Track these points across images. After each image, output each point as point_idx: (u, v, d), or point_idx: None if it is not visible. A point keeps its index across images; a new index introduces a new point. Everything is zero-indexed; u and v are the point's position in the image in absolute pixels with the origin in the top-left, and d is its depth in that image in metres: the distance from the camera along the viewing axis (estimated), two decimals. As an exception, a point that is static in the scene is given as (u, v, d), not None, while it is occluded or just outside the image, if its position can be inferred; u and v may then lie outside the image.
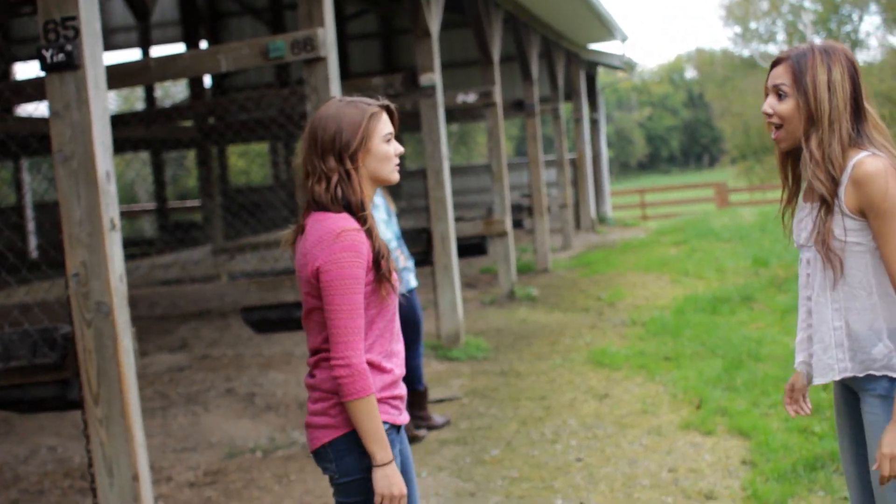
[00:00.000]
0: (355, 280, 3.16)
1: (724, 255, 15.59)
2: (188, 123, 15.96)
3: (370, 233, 3.24)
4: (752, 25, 50.14)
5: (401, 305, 7.02)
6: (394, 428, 3.35)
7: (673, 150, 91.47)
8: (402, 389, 3.40)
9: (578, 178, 23.24)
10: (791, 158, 3.38)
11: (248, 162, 29.07)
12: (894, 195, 3.07)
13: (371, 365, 3.25)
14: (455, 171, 26.28)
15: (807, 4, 45.83)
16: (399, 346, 3.41)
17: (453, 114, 18.33)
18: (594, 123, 26.45)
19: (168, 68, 7.40)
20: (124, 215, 28.23)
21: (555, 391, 8.39)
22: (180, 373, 10.31)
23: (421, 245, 10.33)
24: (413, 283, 7.26)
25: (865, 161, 3.09)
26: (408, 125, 20.34)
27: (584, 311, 12.33)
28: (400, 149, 3.37)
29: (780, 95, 3.21)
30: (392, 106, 3.41)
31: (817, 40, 3.29)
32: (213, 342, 11.96)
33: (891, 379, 3.18)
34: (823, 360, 3.26)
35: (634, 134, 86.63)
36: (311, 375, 3.34)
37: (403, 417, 3.41)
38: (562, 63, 19.75)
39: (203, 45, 20.91)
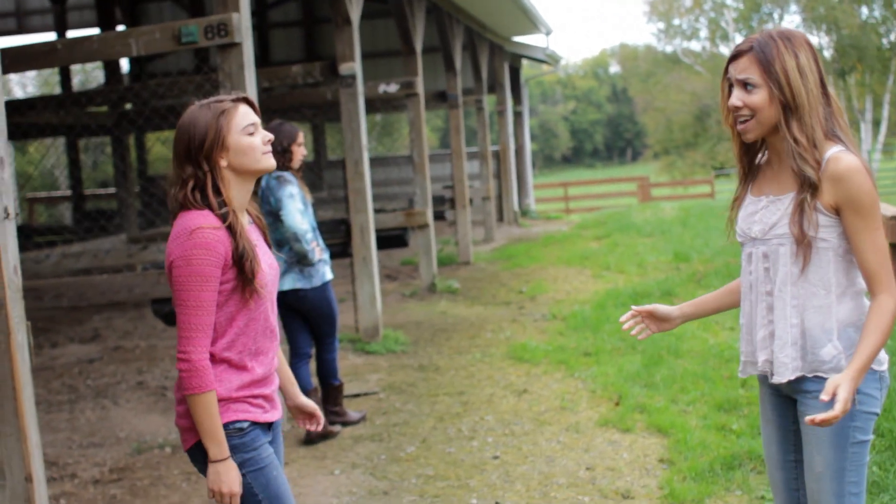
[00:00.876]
0: (204, 278, 3.15)
1: (645, 250, 15.59)
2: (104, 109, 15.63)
3: (233, 232, 3.20)
4: (676, 22, 50.57)
5: (316, 298, 6.89)
6: (257, 425, 3.32)
7: (597, 144, 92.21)
8: (268, 388, 3.39)
9: (501, 170, 23.18)
10: (750, 152, 3.29)
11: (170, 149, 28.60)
12: (872, 191, 3.03)
13: (227, 362, 3.26)
14: (378, 161, 26.10)
15: (729, 2, 46.32)
16: (268, 346, 3.39)
17: (375, 104, 18.15)
18: (518, 116, 26.42)
19: (75, 51, 7.14)
20: (42, 202, 27.68)
21: (473, 386, 8.27)
22: (90, 365, 10.04)
23: (340, 236, 10.16)
24: (328, 275, 7.08)
25: (842, 157, 3.03)
26: (329, 115, 20.18)
27: (505, 304, 12.23)
28: (268, 136, 3.33)
29: (749, 88, 3.11)
30: (250, 97, 3.38)
31: (772, 27, 3.19)
32: (127, 333, 11.69)
33: None
34: (780, 357, 3.18)
35: (559, 127, 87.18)
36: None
37: (271, 415, 3.39)
38: (486, 55, 19.64)
39: (120, 29, 20.50)
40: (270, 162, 3.32)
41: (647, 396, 7.42)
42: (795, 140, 3.06)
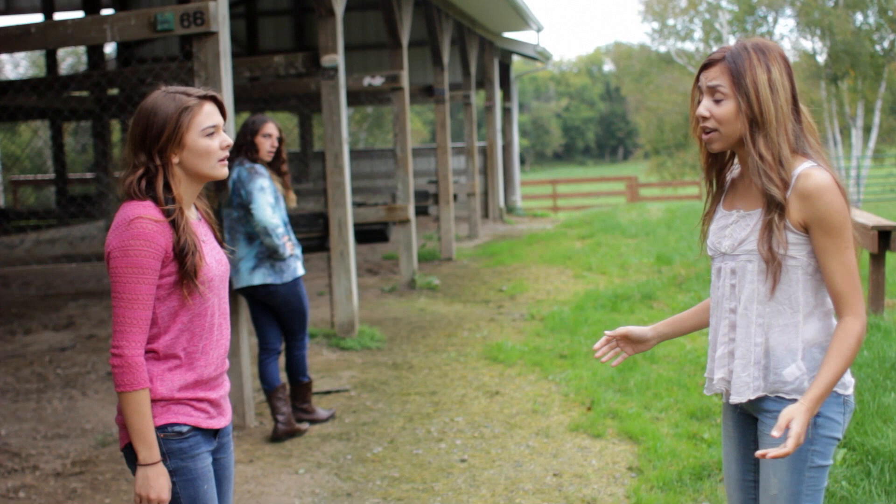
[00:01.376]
0: (141, 270, 3.03)
1: (628, 251, 15.50)
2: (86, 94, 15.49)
3: (176, 226, 3.08)
4: (670, 22, 50.44)
5: (287, 294, 6.78)
6: (199, 431, 3.19)
7: (588, 142, 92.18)
8: (215, 392, 3.26)
9: (488, 166, 23.08)
10: (716, 165, 3.20)
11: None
12: (843, 210, 2.93)
13: (170, 360, 3.14)
14: (364, 154, 26.01)
15: (724, 4, 46.18)
16: (216, 345, 3.25)
17: (360, 97, 18.04)
18: (507, 112, 26.31)
19: (49, 36, 7.03)
20: (30, 184, 27.50)
21: (446, 386, 8.18)
22: (62, 353, 9.91)
23: (318, 230, 10.06)
24: (300, 270, 6.97)
25: (812, 173, 2.93)
26: (316, 106, 20.03)
27: (485, 303, 12.14)
28: (227, 141, 3.21)
29: (717, 98, 3.01)
30: (219, 96, 3.24)
31: (748, 38, 3.06)
32: (101, 321, 11.56)
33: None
34: (742, 377, 3.08)
35: (551, 124, 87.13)
36: None
37: (216, 422, 3.25)
38: (475, 50, 19.52)
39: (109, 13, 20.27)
40: (223, 171, 3.21)
41: (619, 402, 7.34)
42: (761, 156, 2.96)
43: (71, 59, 44.48)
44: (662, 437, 6.46)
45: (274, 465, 6.42)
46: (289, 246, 6.78)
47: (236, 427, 7.19)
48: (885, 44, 40.13)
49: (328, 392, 8.10)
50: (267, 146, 6.86)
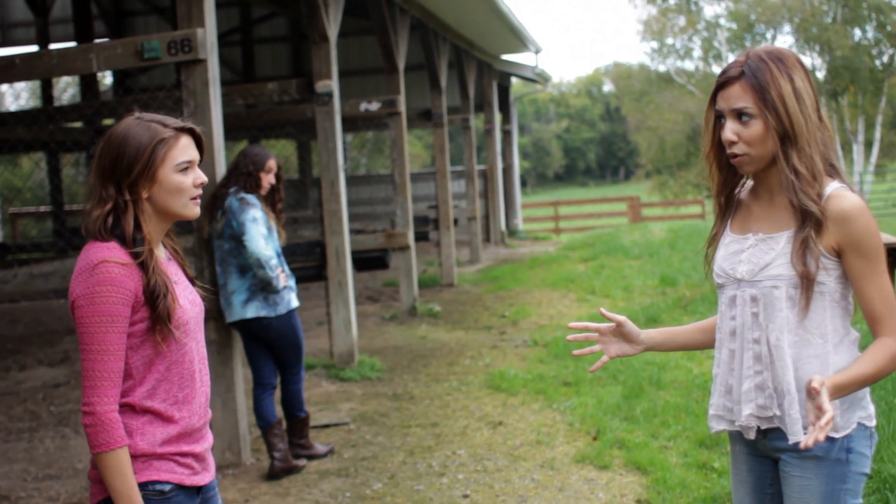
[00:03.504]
0: (110, 318, 2.78)
1: (632, 273, 15.33)
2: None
3: (145, 267, 2.84)
4: (669, 41, 50.41)
5: (281, 327, 6.58)
6: (182, 489, 2.94)
7: (589, 163, 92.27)
8: (199, 444, 3.00)
9: (489, 190, 22.93)
10: (728, 185, 2.99)
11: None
12: (877, 234, 2.76)
13: (149, 413, 2.88)
14: (363, 180, 25.87)
15: (722, 22, 46.18)
16: (197, 393, 3.00)
17: (357, 123, 17.90)
18: (507, 135, 26.19)
19: (34, 67, 6.89)
20: (31, 217, 27.35)
21: (448, 417, 7.98)
22: (55, 389, 9.72)
23: (315, 259, 9.87)
24: (294, 302, 6.79)
25: (845, 195, 2.75)
26: (314, 133, 19.88)
27: (487, 329, 11.95)
28: (201, 178, 2.97)
29: (744, 119, 2.79)
30: (197, 129, 3.00)
31: (759, 48, 2.84)
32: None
33: (830, 439, 2.79)
34: (791, 414, 2.82)
35: (552, 145, 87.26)
36: None
37: (201, 478, 3.00)
38: (473, 73, 19.40)
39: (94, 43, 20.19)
40: (195, 210, 2.98)
41: (626, 431, 7.13)
42: (796, 172, 2.76)
43: (72, 89, 44.48)
44: (671, 468, 6.25)
45: (270, 505, 6.22)
46: (282, 278, 6.60)
47: (232, 465, 6.99)
48: (885, 58, 40.10)
49: (327, 426, 7.90)
50: (266, 182, 6.75)
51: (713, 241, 3.05)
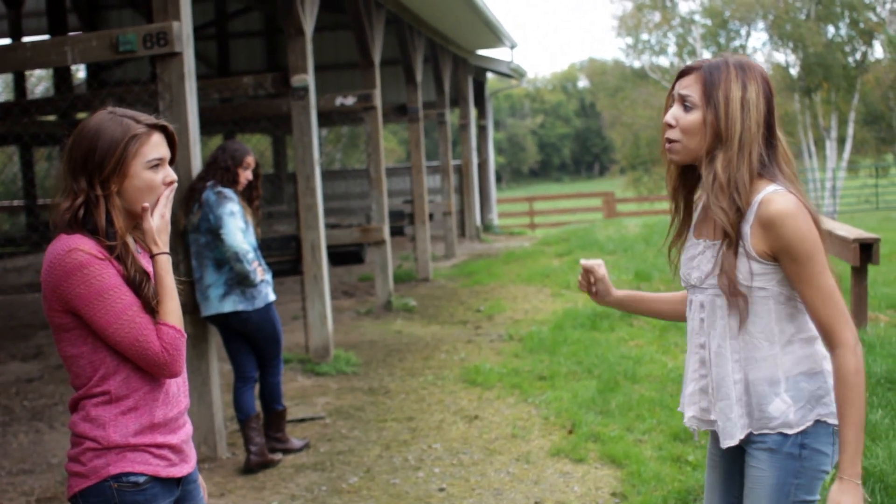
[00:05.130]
0: (111, 290, 2.78)
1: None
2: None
3: (122, 260, 2.84)
4: (644, 37, 50.52)
5: (259, 320, 6.57)
6: (158, 481, 2.91)
7: (564, 158, 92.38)
8: (175, 435, 2.99)
9: (464, 185, 22.93)
10: (686, 185, 3.00)
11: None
12: (810, 235, 2.72)
13: (122, 402, 2.87)
14: (338, 175, 25.83)
15: (697, 18, 46.30)
16: (171, 383, 3.00)
17: (332, 117, 17.87)
18: (482, 130, 26.19)
19: (7, 59, 6.85)
20: (3, 211, 27.16)
21: (423, 411, 7.98)
22: (28, 384, 9.66)
23: (290, 253, 9.87)
24: (271, 296, 6.78)
25: (774, 199, 2.72)
26: (289, 127, 19.85)
27: (462, 324, 11.96)
28: (171, 177, 2.95)
29: (686, 107, 2.83)
30: (170, 127, 2.99)
31: (733, 54, 2.86)
32: (71, 351, 11.29)
33: (784, 435, 2.83)
34: (731, 418, 2.88)
35: (527, 141, 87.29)
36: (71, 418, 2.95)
37: (178, 469, 2.98)
38: (448, 68, 19.39)
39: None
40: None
41: (601, 424, 7.16)
42: (714, 175, 2.78)
43: (46, 83, 44.18)
44: (646, 461, 6.28)
45: (246, 499, 6.21)
46: (259, 272, 6.58)
47: (207, 459, 6.97)
48: (858, 55, 40.28)
49: (302, 420, 7.90)
50: (244, 179, 6.75)
51: (675, 242, 3.08)
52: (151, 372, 2.85)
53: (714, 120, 2.78)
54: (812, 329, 2.86)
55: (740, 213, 2.75)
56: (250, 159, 6.78)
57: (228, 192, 6.59)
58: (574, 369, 8.87)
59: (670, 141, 2.88)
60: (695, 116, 2.82)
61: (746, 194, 2.75)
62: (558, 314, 11.75)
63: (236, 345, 6.87)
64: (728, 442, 2.90)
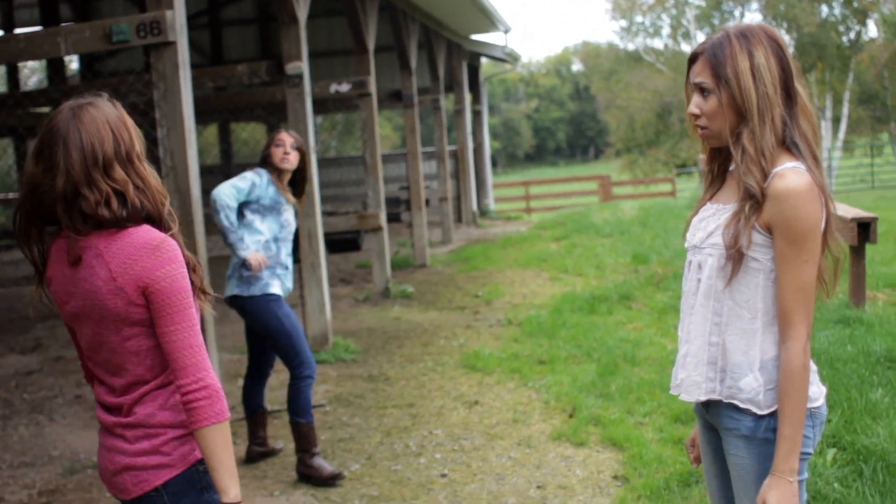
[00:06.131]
0: (188, 293, 2.76)
1: (604, 251, 15.34)
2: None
3: (179, 244, 2.82)
4: (638, 19, 50.53)
5: (255, 309, 6.46)
6: None
7: (559, 142, 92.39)
8: None
9: (460, 170, 22.91)
10: (720, 156, 2.97)
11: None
12: (808, 220, 2.69)
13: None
14: (334, 162, 25.77)
15: (691, 0, 46.29)
16: None
17: (327, 104, 17.84)
18: (477, 115, 26.15)
19: (0, 51, 6.79)
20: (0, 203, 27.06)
21: (424, 398, 7.98)
22: (28, 377, 9.66)
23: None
24: (272, 289, 6.44)
25: (787, 174, 2.68)
26: (283, 115, 19.80)
27: (460, 309, 11.95)
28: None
29: (704, 93, 2.81)
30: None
31: (734, 25, 2.84)
32: (69, 342, 11.28)
33: (756, 417, 2.79)
34: (693, 376, 2.87)
35: (522, 125, 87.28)
36: (127, 414, 2.85)
37: None
38: (443, 53, 19.35)
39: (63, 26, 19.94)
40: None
41: (601, 408, 7.16)
42: (743, 149, 2.75)
43: (39, 75, 44.10)
44: (647, 444, 6.29)
45: (248, 487, 6.21)
46: (255, 258, 6.31)
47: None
48: (852, 35, 40.28)
49: (303, 408, 7.88)
50: (276, 157, 6.42)
51: (696, 208, 3.06)
52: (175, 379, 2.78)
53: (730, 98, 2.76)
54: None
55: (766, 176, 2.72)
56: (282, 136, 6.49)
57: (254, 170, 6.45)
58: (573, 353, 8.87)
59: (702, 128, 2.87)
60: (713, 101, 2.80)
61: (772, 158, 2.74)
62: (556, 298, 11.75)
63: (251, 336, 6.74)
64: (685, 397, 2.90)
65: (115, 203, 2.74)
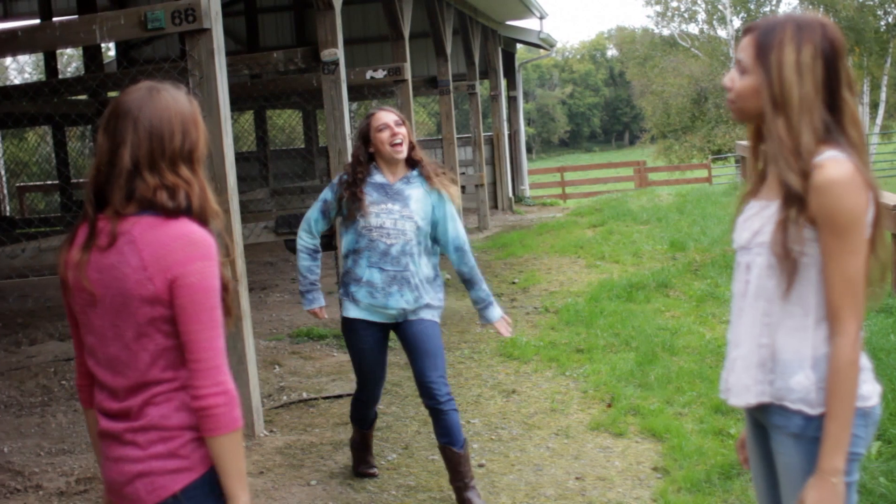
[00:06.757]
0: (217, 294, 2.66)
1: (641, 238, 15.23)
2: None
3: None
4: (673, 4, 50.18)
5: (343, 330, 6.04)
6: None
7: (594, 128, 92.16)
8: None
9: (495, 156, 22.84)
10: (766, 154, 2.85)
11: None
12: (853, 210, 2.58)
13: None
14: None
15: (727, -16, 45.93)
16: None
17: (363, 91, 17.81)
18: (512, 101, 26.05)
19: (37, 39, 6.80)
20: (37, 190, 27.25)
21: (460, 386, 7.93)
22: (67, 363, 9.67)
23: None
24: (350, 311, 5.63)
25: (828, 164, 2.57)
26: (319, 102, 19.78)
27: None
28: None
29: (742, 70, 2.74)
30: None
31: (797, 12, 2.76)
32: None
33: (806, 417, 2.70)
34: (743, 379, 2.79)
35: (556, 111, 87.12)
36: (137, 417, 2.71)
37: None
38: (478, 39, 19.28)
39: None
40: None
41: (640, 397, 7.10)
42: (780, 139, 2.65)
43: (76, 62, 44.41)
44: (687, 435, 6.22)
45: (285, 477, 6.18)
46: (312, 312, 5.74)
47: (245, 437, 6.94)
48: (890, 19, 39.85)
49: (339, 396, 7.87)
50: (379, 143, 5.41)
51: (744, 200, 2.96)
52: (190, 382, 2.67)
53: (768, 85, 2.67)
54: None
55: (806, 177, 2.61)
56: (379, 115, 5.46)
57: (331, 182, 5.81)
58: (611, 341, 8.80)
59: (731, 101, 2.81)
60: (748, 81, 2.72)
61: (810, 157, 2.62)
62: (593, 285, 11.67)
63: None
64: (735, 401, 2.83)
65: (178, 193, 2.68)
